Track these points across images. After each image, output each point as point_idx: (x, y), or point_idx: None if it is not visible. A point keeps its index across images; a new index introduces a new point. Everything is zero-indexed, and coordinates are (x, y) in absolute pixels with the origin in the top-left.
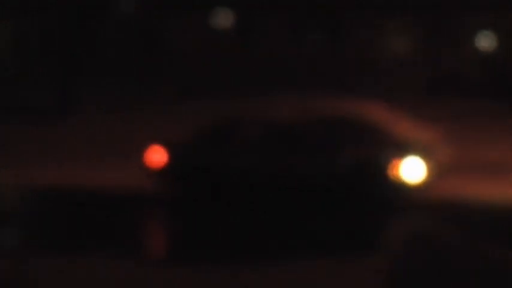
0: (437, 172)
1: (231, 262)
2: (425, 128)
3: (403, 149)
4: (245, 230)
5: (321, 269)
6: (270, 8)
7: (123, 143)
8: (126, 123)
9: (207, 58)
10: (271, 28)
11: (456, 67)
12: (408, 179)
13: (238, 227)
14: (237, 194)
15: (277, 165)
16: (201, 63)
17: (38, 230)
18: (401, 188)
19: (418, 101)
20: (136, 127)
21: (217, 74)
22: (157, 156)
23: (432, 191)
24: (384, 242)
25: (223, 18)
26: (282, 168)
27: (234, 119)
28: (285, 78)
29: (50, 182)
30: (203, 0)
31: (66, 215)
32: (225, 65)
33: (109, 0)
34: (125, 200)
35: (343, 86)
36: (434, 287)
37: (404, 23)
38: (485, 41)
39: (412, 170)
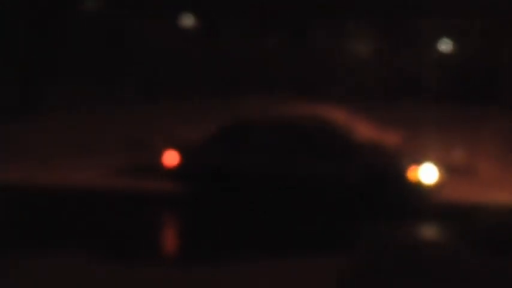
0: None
1: (232, 259)
2: (387, 131)
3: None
4: (249, 228)
5: (297, 267)
6: (233, 11)
7: (85, 142)
8: (89, 122)
9: (173, 58)
10: (234, 30)
11: (416, 71)
12: (425, 182)
13: (243, 225)
14: (245, 194)
15: (285, 167)
16: (166, 64)
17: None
18: (420, 190)
19: (378, 104)
20: (99, 126)
21: (184, 75)
22: (170, 157)
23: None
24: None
25: (189, 20)
26: (290, 169)
27: (242, 122)
28: (248, 79)
29: (14, 180)
30: (169, 2)
31: (27, 212)
32: (189, 65)
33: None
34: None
35: (305, 87)
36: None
37: (365, 27)
38: (445, 46)
39: (428, 174)
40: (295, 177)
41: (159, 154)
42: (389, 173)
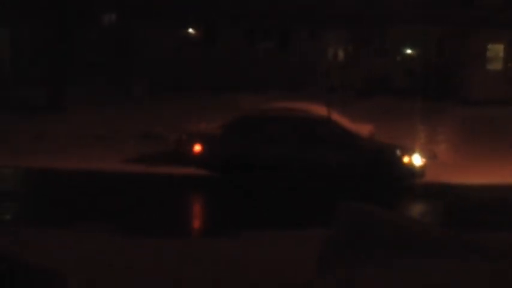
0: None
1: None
2: (359, 124)
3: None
4: (258, 205)
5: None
6: (229, 22)
7: (104, 134)
8: (106, 118)
9: (177, 62)
10: (230, 38)
11: (384, 72)
12: (416, 165)
13: (254, 203)
14: (260, 177)
15: (293, 153)
16: (171, 66)
17: (34, 206)
18: (412, 171)
19: (351, 101)
20: (115, 121)
21: (187, 77)
22: (195, 146)
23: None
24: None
25: (191, 29)
26: (298, 155)
27: (255, 115)
28: (241, 79)
29: (44, 166)
30: (174, 13)
31: (57, 193)
32: (193, 69)
33: (94, 12)
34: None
35: (289, 86)
36: (362, 252)
37: (341, 36)
38: (409, 51)
39: (416, 160)
40: (304, 162)
41: (166, 143)
42: (390, 159)
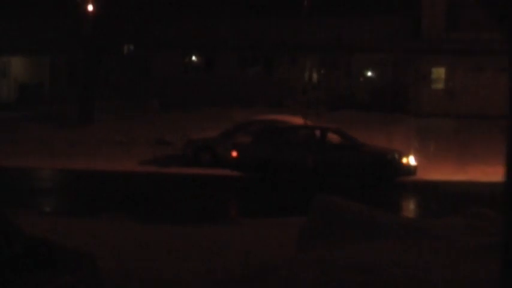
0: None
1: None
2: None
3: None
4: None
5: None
6: (225, 50)
7: (125, 141)
8: (127, 128)
9: (184, 84)
10: (226, 64)
11: (350, 90)
12: (412, 165)
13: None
14: (284, 177)
15: (313, 157)
16: (180, 87)
17: (67, 200)
18: (409, 169)
19: (323, 114)
20: (134, 130)
21: (191, 95)
22: (232, 152)
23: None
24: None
25: (194, 57)
26: (317, 158)
27: (280, 126)
28: (234, 97)
29: (79, 167)
30: (180, 45)
31: (87, 189)
32: (196, 89)
33: (115, 43)
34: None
35: (274, 103)
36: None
37: (314, 61)
38: (372, 73)
39: (412, 160)
40: (319, 163)
41: (177, 148)
42: (392, 160)
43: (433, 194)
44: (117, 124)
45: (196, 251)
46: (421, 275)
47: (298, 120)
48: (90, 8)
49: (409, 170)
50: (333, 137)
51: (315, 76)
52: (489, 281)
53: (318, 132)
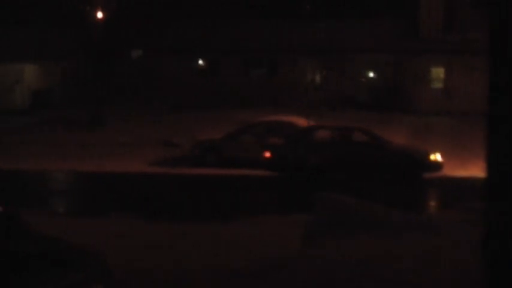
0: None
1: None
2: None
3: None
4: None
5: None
6: (229, 54)
7: (135, 143)
8: (137, 130)
9: (190, 87)
10: (231, 67)
11: (352, 91)
12: (439, 161)
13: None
14: (315, 176)
15: (343, 157)
16: (186, 90)
17: (80, 201)
18: (437, 165)
19: (326, 114)
20: (143, 132)
21: (197, 97)
22: (266, 152)
23: None
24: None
25: (200, 61)
26: (347, 158)
27: (311, 128)
28: (240, 99)
29: (90, 169)
30: (186, 49)
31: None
32: (202, 91)
33: (124, 48)
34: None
35: (277, 104)
36: (338, 232)
37: (317, 63)
38: (372, 73)
39: (438, 157)
40: (349, 161)
41: (184, 150)
42: (422, 157)
43: (456, 189)
44: (126, 127)
45: (205, 248)
46: (420, 268)
47: (302, 121)
48: (99, 15)
49: (437, 166)
50: (360, 137)
51: (317, 78)
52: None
53: (347, 132)
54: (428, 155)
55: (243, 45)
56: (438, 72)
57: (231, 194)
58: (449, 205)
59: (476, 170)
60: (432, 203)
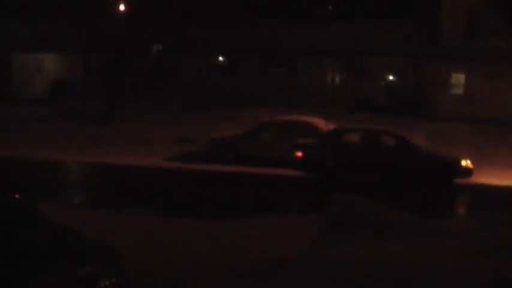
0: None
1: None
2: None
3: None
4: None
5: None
6: (248, 53)
7: (150, 138)
8: (151, 126)
9: (207, 84)
10: (249, 66)
11: (371, 93)
12: (470, 167)
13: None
14: (343, 175)
15: (374, 159)
16: (203, 87)
17: (93, 193)
18: (468, 171)
19: (345, 116)
20: (158, 128)
21: (214, 95)
22: (298, 152)
23: None
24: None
25: (219, 59)
26: (378, 161)
27: (341, 129)
28: (257, 98)
29: (102, 161)
30: (206, 46)
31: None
32: (219, 89)
33: (142, 44)
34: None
35: (297, 104)
36: (348, 234)
37: (337, 64)
38: (392, 77)
39: (469, 163)
40: (382, 166)
41: (200, 146)
42: (452, 163)
43: (483, 197)
44: (143, 122)
45: (215, 245)
46: (430, 272)
47: (320, 122)
48: (121, 7)
49: (468, 172)
50: (391, 140)
51: (336, 79)
52: (497, 280)
53: (377, 135)
54: (459, 160)
55: (261, 44)
56: (459, 78)
57: (245, 192)
58: (472, 212)
59: (503, 179)
60: (456, 209)
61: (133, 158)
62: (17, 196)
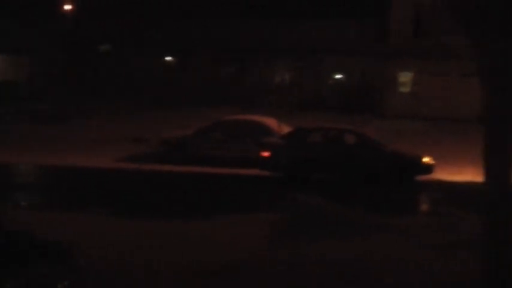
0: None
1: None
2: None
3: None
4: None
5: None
6: (198, 50)
7: (103, 138)
8: (105, 125)
9: (160, 84)
10: (200, 65)
11: (321, 92)
12: (431, 163)
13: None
14: (302, 173)
15: (337, 157)
16: (156, 87)
17: (44, 195)
18: (429, 167)
19: (295, 114)
20: (111, 127)
21: (167, 94)
22: (264, 152)
23: None
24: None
25: (169, 57)
26: (342, 158)
27: (308, 128)
28: (208, 97)
29: (55, 163)
30: (156, 47)
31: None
32: (171, 89)
33: (96, 43)
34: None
35: (249, 103)
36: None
37: (287, 63)
38: (341, 76)
39: (430, 159)
40: (344, 164)
41: (151, 146)
42: (414, 160)
43: (443, 193)
44: (94, 122)
45: (170, 245)
46: (384, 269)
47: (271, 121)
48: (69, 7)
49: (429, 168)
50: (354, 138)
51: (286, 78)
52: (454, 275)
53: (342, 134)
54: (421, 157)
55: (212, 43)
56: (407, 77)
57: (199, 192)
58: (432, 209)
59: (460, 175)
60: (417, 207)
61: (86, 159)
62: None
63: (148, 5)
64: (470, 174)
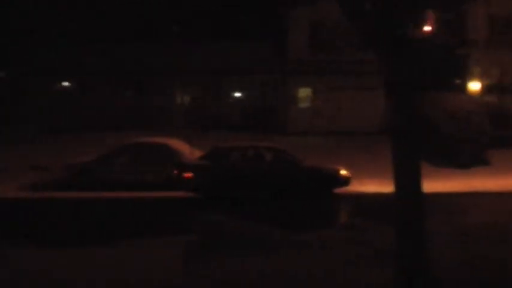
0: None
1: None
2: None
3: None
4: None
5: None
6: (99, 75)
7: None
8: (2, 154)
9: (60, 109)
10: (100, 88)
11: (225, 112)
12: (347, 175)
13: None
14: (227, 192)
15: (253, 173)
16: (53, 113)
17: None
18: (345, 179)
19: (200, 135)
20: (11, 155)
21: (66, 120)
22: (185, 172)
23: None
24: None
25: (66, 82)
26: (255, 175)
27: (224, 148)
28: (108, 122)
29: None
30: (53, 70)
31: None
32: (71, 114)
33: None
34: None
35: (147, 126)
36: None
37: (186, 84)
38: (241, 94)
39: (346, 171)
40: (267, 179)
41: (54, 173)
42: (332, 174)
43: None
44: None
45: (80, 273)
46: (296, 284)
47: (176, 143)
48: None
49: (346, 181)
50: (272, 155)
51: (185, 99)
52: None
53: (260, 151)
54: (339, 171)
55: (111, 66)
56: (306, 92)
57: (105, 218)
58: (348, 221)
59: (373, 186)
60: (332, 220)
61: None
62: None
63: (44, 30)
64: (378, 185)
